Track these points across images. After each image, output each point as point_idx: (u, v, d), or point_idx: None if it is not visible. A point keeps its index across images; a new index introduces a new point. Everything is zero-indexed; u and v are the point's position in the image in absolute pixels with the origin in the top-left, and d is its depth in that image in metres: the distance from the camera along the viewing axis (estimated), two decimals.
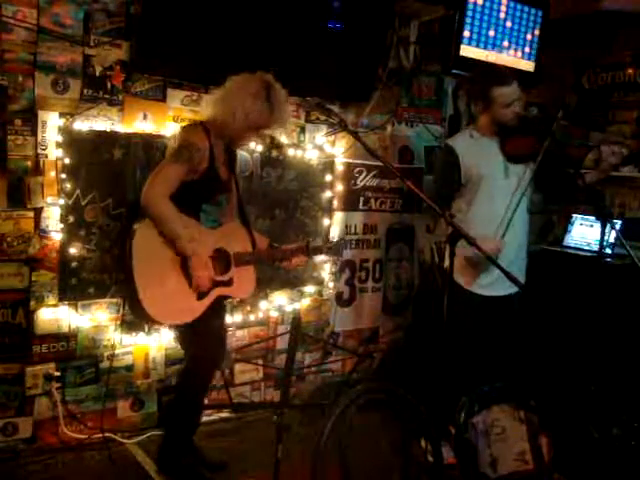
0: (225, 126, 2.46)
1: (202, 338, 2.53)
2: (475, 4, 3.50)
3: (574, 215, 4.05)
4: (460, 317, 2.81)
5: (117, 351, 2.99)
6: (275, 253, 2.76)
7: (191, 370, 2.64)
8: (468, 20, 3.50)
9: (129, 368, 3.06)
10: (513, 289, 2.95)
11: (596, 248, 3.52)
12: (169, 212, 2.34)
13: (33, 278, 2.77)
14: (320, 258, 3.46)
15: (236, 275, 2.57)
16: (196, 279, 2.39)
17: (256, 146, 3.26)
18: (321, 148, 3.53)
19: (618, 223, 3.70)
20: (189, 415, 2.70)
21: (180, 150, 2.37)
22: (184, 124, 2.51)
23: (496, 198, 2.89)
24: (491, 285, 2.92)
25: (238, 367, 3.41)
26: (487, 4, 3.55)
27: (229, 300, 2.83)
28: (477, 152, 2.91)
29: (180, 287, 2.40)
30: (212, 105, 2.49)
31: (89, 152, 2.77)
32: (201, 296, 2.45)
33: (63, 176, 2.72)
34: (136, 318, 2.82)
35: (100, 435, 2.93)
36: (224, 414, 3.32)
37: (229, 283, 2.55)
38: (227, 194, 2.62)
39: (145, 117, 2.96)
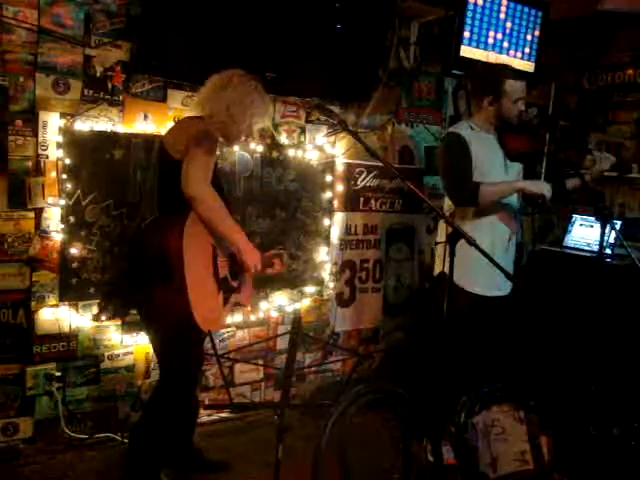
0: (225, 126, 2.39)
1: (197, 348, 2.42)
2: (475, 5, 3.51)
3: (574, 215, 4.06)
4: (459, 317, 2.82)
5: (118, 351, 3.00)
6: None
7: (175, 386, 2.40)
8: (468, 21, 3.50)
9: (130, 368, 3.06)
10: (508, 289, 2.96)
11: (596, 248, 3.53)
12: (223, 207, 2.26)
13: (34, 278, 2.77)
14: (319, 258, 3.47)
15: (242, 281, 2.52)
16: (251, 264, 2.33)
17: (256, 146, 3.27)
18: (321, 149, 3.53)
19: (618, 223, 3.71)
20: (163, 437, 2.45)
21: (208, 141, 2.27)
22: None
23: None
24: (490, 286, 2.92)
25: (238, 367, 3.41)
26: (487, 5, 3.56)
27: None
28: (481, 145, 2.85)
29: (214, 294, 2.35)
30: (214, 107, 2.39)
31: (90, 153, 2.78)
32: (225, 302, 2.41)
33: (64, 176, 2.73)
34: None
35: (100, 435, 2.93)
36: (224, 414, 3.31)
37: (238, 289, 2.50)
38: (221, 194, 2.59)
39: (146, 118, 2.97)
